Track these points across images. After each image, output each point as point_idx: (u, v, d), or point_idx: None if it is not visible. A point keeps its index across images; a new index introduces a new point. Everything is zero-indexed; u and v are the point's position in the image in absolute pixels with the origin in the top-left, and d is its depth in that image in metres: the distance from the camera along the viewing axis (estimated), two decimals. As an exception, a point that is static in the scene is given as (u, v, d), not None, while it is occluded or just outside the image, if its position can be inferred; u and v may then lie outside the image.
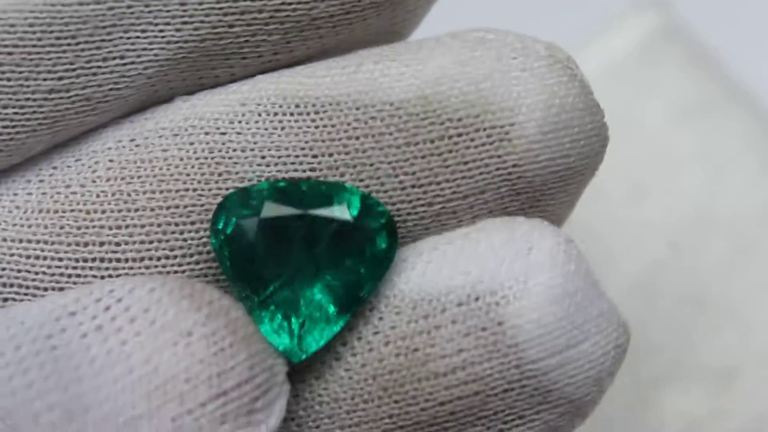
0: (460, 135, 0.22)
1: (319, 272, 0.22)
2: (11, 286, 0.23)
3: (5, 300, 0.22)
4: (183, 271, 0.23)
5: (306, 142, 0.23)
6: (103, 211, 0.23)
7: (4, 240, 0.23)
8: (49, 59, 0.22)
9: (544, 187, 0.23)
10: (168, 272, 0.23)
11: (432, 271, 0.22)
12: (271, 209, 0.22)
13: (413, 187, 0.23)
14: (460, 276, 0.22)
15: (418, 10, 0.24)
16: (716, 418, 0.33)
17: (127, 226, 0.23)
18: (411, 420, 0.22)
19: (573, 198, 0.24)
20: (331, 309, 0.22)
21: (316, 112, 0.23)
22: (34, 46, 0.22)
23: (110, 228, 0.23)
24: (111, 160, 0.23)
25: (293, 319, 0.22)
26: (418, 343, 0.22)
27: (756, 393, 0.33)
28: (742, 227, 0.35)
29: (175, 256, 0.23)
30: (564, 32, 0.37)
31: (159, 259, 0.23)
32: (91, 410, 0.20)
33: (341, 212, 0.22)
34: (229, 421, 0.20)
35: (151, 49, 0.23)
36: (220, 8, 0.23)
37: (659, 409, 0.33)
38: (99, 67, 0.22)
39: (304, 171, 0.23)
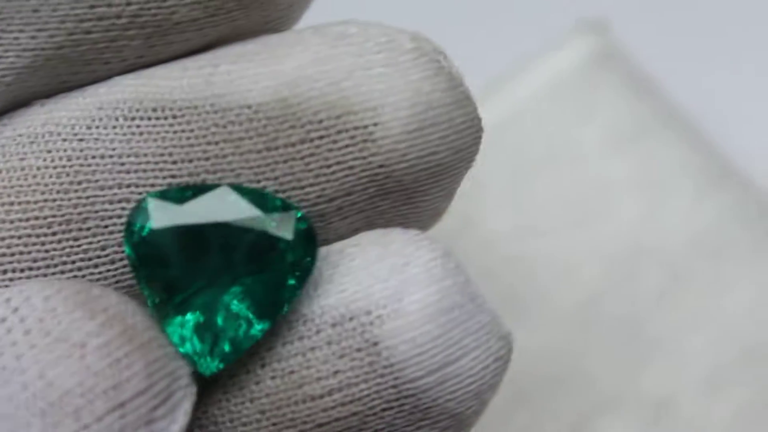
0: (321, 138, 0.22)
1: (237, 279, 0.21)
2: None
3: None
4: None
5: (165, 148, 0.22)
6: None
7: None
8: None
9: (415, 184, 0.22)
10: None
11: (306, 289, 0.22)
12: (187, 215, 0.21)
13: (276, 192, 0.22)
14: (334, 295, 0.22)
15: (294, 6, 0.23)
16: None
17: None
18: None
19: (449, 191, 0.23)
20: (250, 315, 0.22)
21: (174, 116, 0.22)
22: None
23: None
24: None
25: (208, 327, 0.21)
26: (294, 365, 0.22)
27: (692, 422, 0.33)
28: (677, 256, 0.35)
29: (39, 267, 0.22)
30: (503, 54, 0.37)
31: (23, 270, 0.22)
32: None
33: (260, 221, 0.21)
34: None
35: (7, 57, 0.22)
36: (76, 15, 0.22)
37: None
38: None
39: (165, 178, 0.22)
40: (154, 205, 0.21)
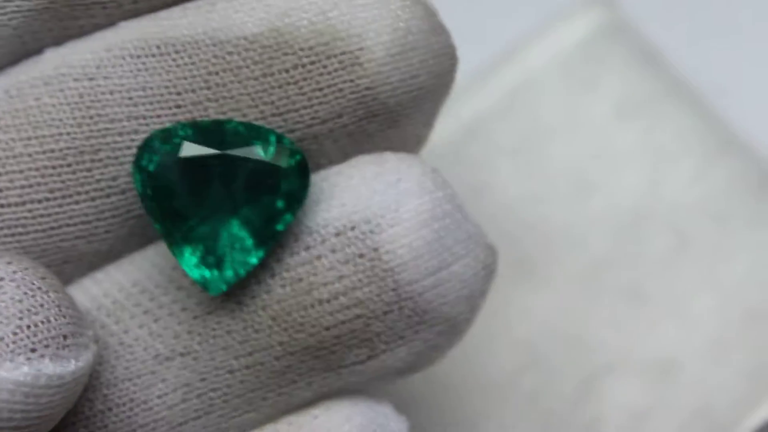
0: (312, 63, 0.23)
1: (237, 209, 0.23)
2: None
3: None
4: (64, 211, 0.24)
5: (169, 80, 0.24)
6: None
7: None
8: None
9: (399, 107, 0.24)
10: (50, 213, 0.24)
11: (309, 205, 0.23)
12: (191, 149, 0.23)
13: (273, 115, 0.23)
14: (336, 208, 0.23)
15: None
16: (656, 410, 0.34)
17: (7, 173, 0.24)
18: (300, 345, 0.23)
19: (429, 117, 0.25)
20: (249, 242, 0.23)
21: (176, 52, 0.24)
22: None
23: None
24: None
25: (213, 252, 0.23)
26: (302, 273, 0.23)
27: (695, 386, 0.34)
28: (682, 222, 0.35)
29: (55, 198, 0.24)
30: (512, 27, 0.37)
31: (40, 201, 0.24)
32: None
33: (257, 152, 0.23)
34: (39, 349, 0.21)
35: (13, 1, 0.23)
36: None
37: (600, 400, 0.34)
38: None
39: (170, 108, 0.23)
40: (159, 141, 0.23)
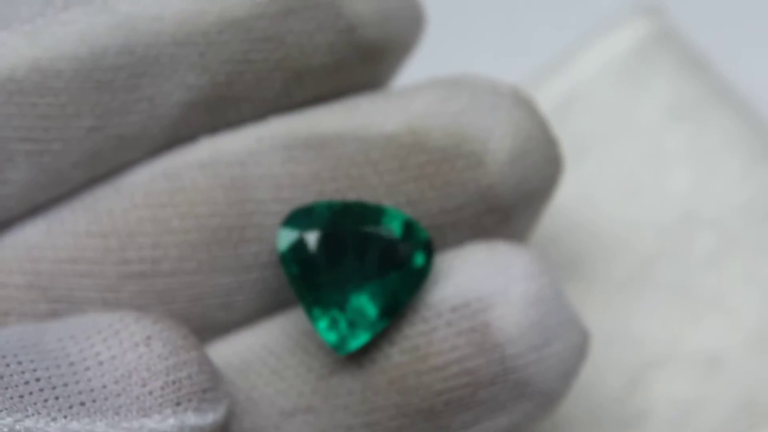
0: (444, 160, 0.25)
1: (366, 281, 0.25)
2: (62, 301, 0.25)
3: (56, 313, 0.25)
4: (209, 283, 0.25)
5: (314, 170, 0.25)
6: (142, 233, 0.25)
7: (57, 261, 0.25)
8: (90, 101, 0.24)
9: (513, 205, 0.26)
10: (197, 284, 0.25)
11: (428, 283, 0.25)
12: (331, 224, 0.25)
13: (407, 204, 0.25)
14: (452, 287, 0.25)
15: (399, 62, 0.27)
16: (703, 404, 0.34)
17: (162, 245, 0.25)
18: (413, 408, 0.25)
19: (535, 215, 0.27)
20: (373, 313, 0.25)
21: (322, 145, 0.25)
22: (78, 89, 0.24)
23: (148, 247, 0.25)
24: (147, 191, 0.25)
25: (341, 319, 0.25)
26: (419, 343, 0.25)
27: (740, 379, 0.34)
28: (728, 222, 0.36)
29: (203, 270, 0.25)
30: (559, 37, 0.38)
31: (190, 273, 0.25)
32: (70, 385, 0.22)
33: (389, 231, 0.25)
34: (183, 402, 0.23)
35: (176, 93, 0.25)
36: (233, 58, 0.25)
37: (648, 394, 0.34)
38: (131, 108, 0.25)
39: (313, 195, 0.25)
40: (302, 216, 0.25)
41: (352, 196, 0.25)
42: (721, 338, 0.35)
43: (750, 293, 0.35)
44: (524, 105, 0.26)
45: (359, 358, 0.25)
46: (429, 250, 0.25)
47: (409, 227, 0.25)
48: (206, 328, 0.26)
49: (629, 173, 0.36)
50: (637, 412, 0.34)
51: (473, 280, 0.25)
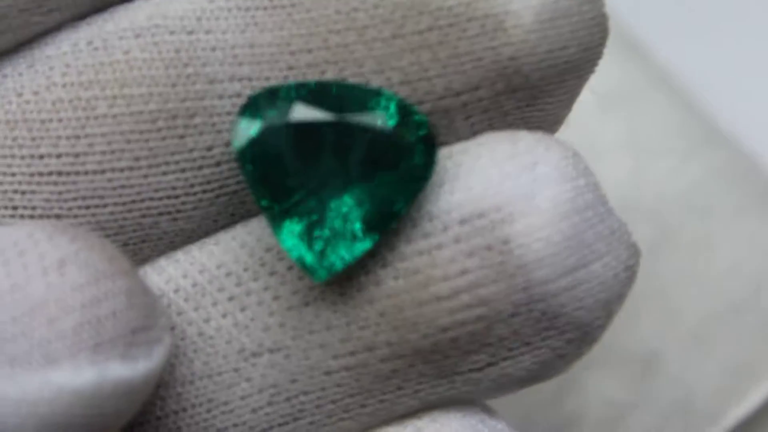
0: (451, 25, 0.20)
1: (349, 184, 0.20)
2: None
3: None
4: (149, 183, 0.21)
5: (282, 38, 0.20)
6: (60, 120, 0.21)
7: None
8: None
9: (541, 83, 0.21)
10: (132, 185, 0.21)
11: (430, 186, 0.20)
12: (302, 112, 0.20)
13: (402, 83, 0.20)
14: (461, 192, 0.20)
15: None
16: (638, 403, 0.34)
17: (86, 136, 0.21)
18: (410, 348, 0.20)
19: (571, 96, 0.22)
20: (359, 226, 0.20)
21: (293, 5, 0.21)
22: None
23: (68, 138, 0.21)
24: (67, 65, 0.21)
25: (317, 233, 0.20)
26: (418, 265, 0.20)
27: (676, 379, 0.34)
28: (666, 214, 0.35)
29: (140, 167, 0.21)
30: None
31: (122, 170, 0.21)
32: None
33: (378, 120, 0.20)
34: (103, 350, 0.18)
35: None
36: None
37: (582, 393, 0.34)
38: None
39: (281, 70, 0.20)
40: (264, 102, 0.20)
41: (331, 70, 0.20)
42: (657, 337, 0.34)
43: (687, 289, 0.34)
44: None
45: (341, 283, 0.20)
46: (431, 144, 0.20)
47: (405, 115, 0.20)
48: (146, 240, 0.21)
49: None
50: (570, 414, 0.33)
51: (489, 182, 0.20)
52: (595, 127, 0.36)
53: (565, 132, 0.35)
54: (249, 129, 0.20)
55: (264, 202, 0.20)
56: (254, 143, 0.20)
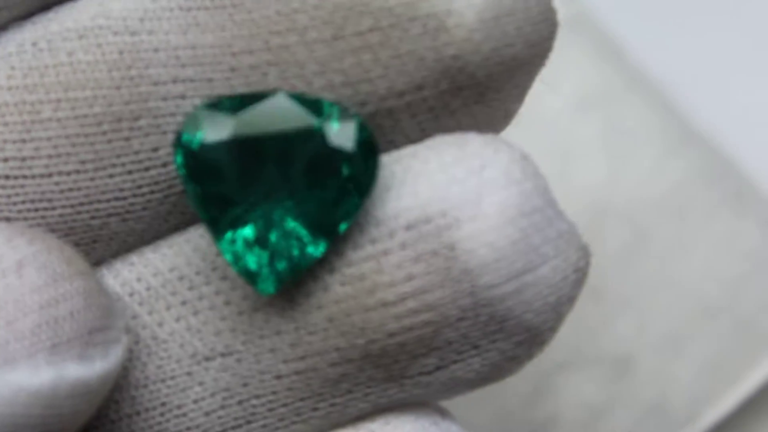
0: (392, 26, 0.20)
1: (293, 194, 0.20)
2: None
3: None
4: (96, 185, 0.21)
5: (224, 38, 0.20)
6: (5, 124, 0.21)
7: None
8: None
9: (488, 80, 0.20)
10: (80, 187, 0.21)
11: (377, 191, 0.20)
12: (243, 126, 0.20)
13: (343, 85, 0.20)
14: (408, 197, 0.20)
15: None
16: (612, 405, 0.34)
17: (32, 140, 0.21)
18: (359, 352, 0.21)
19: (521, 90, 0.21)
20: (305, 234, 0.20)
21: (234, 6, 0.20)
22: None
23: (14, 142, 0.21)
24: (12, 67, 0.21)
25: (262, 244, 0.20)
26: (365, 271, 0.20)
27: (651, 382, 0.34)
28: (640, 216, 0.35)
29: (87, 170, 0.21)
30: None
31: (69, 173, 0.21)
32: None
33: (318, 129, 0.20)
34: (61, 351, 0.19)
35: None
36: None
37: (556, 396, 0.34)
38: None
39: (223, 71, 0.20)
40: (205, 116, 0.20)
41: (273, 72, 0.20)
42: (631, 339, 0.34)
43: (662, 293, 0.34)
44: None
45: (290, 289, 0.20)
46: (370, 149, 0.20)
47: (344, 122, 0.20)
48: (97, 240, 0.21)
49: (540, 162, 0.35)
50: (545, 416, 0.34)
51: (436, 187, 0.20)
52: (570, 129, 0.36)
53: (540, 133, 0.35)
54: (190, 144, 0.20)
55: (206, 216, 0.20)
56: (195, 157, 0.20)
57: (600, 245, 0.35)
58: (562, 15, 0.36)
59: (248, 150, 0.20)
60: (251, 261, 0.20)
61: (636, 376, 0.34)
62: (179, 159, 0.20)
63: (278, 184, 0.20)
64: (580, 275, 0.21)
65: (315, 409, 0.21)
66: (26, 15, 0.21)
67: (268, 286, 0.20)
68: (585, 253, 0.21)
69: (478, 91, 0.21)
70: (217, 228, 0.20)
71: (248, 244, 0.20)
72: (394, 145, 0.21)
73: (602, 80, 0.36)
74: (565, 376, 0.34)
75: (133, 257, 0.22)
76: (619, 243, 0.35)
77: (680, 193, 0.35)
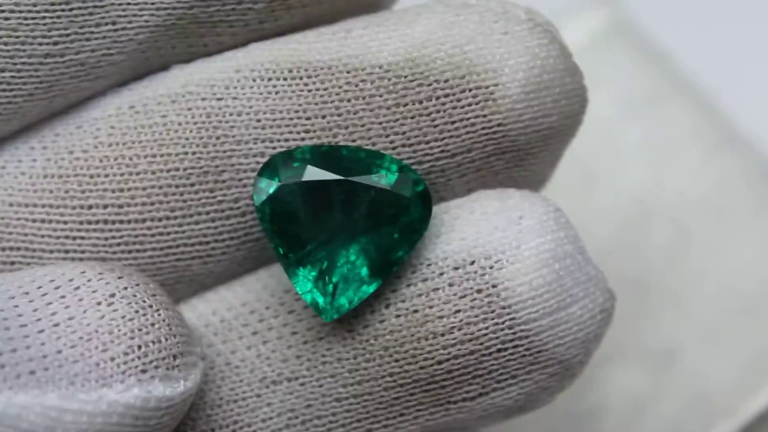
0: (447, 95, 0.23)
1: (355, 236, 0.22)
2: (18, 249, 0.23)
3: (12, 263, 0.23)
4: (183, 231, 0.23)
5: (300, 105, 0.23)
6: (106, 175, 0.23)
7: (11, 205, 0.23)
8: (45, 24, 0.23)
9: (527, 146, 0.23)
10: (169, 232, 0.23)
11: (428, 236, 0.23)
12: (314, 173, 0.22)
13: (403, 146, 0.23)
14: (456, 241, 0.23)
15: None
16: (657, 396, 0.34)
17: (129, 189, 0.23)
18: (410, 378, 0.23)
19: (555, 157, 0.24)
20: (365, 271, 0.22)
21: (309, 76, 0.23)
22: (30, 11, 0.22)
23: (113, 191, 0.23)
24: (112, 127, 0.23)
25: (328, 279, 0.22)
26: (417, 305, 0.23)
27: (694, 373, 0.34)
28: (685, 215, 0.35)
29: (176, 217, 0.23)
30: None
31: (160, 220, 0.23)
32: (19, 350, 0.20)
33: (380, 180, 0.22)
34: (149, 370, 0.21)
35: (142, 16, 0.23)
36: None
37: (602, 387, 0.34)
38: (92, 32, 0.23)
39: (299, 133, 0.23)
40: (281, 163, 0.22)
41: (342, 134, 0.23)
42: (675, 332, 0.34)
43: (705, 287, 0.35)
44: (541, 30, 0.23)
45: (350, 321, 0.23)
46: (426, 200, 0.22)
47: (404, 174, 0.22)
48: (180, 281, 0.24)
49: (585, 166, 0.36)
50: (592, 407, 0.34)
51: (480, 233, 0.23)
52: (618, 132, 0.36)
53: (591, 135, 0.36)
54: (268, 187, 0.22)
55: (280, 252, 0.22)
56: (272, 200, 0.22)
57: (646, 242, 0.35)
58: (610, 21, 0.37)
59: (318, 194, 0.22)
60: (317, 293, 0.23)
61: (679, 368, 0.34)
62: (257, 201, 0.22)
63: (343, 226, 0.22)
64: (606, 315, 0.24)
65: (369, 431, 0.23)
66: (123, 83, 0.24)
67: (330, 315, 0.23)
68: (611, 296, 0.24)
69: (519, 155, 0.23)
70: (289, 263, 0.22)
71: (316, 278, 0.22)
72: (443, 199, 0.24)
73: (649, 84, 0.36)
74: (611, 368, 0.34)
75: (209, 294, 0.24)
76: (664, 240, 0.35)
77: (723, 193, 0.36)
